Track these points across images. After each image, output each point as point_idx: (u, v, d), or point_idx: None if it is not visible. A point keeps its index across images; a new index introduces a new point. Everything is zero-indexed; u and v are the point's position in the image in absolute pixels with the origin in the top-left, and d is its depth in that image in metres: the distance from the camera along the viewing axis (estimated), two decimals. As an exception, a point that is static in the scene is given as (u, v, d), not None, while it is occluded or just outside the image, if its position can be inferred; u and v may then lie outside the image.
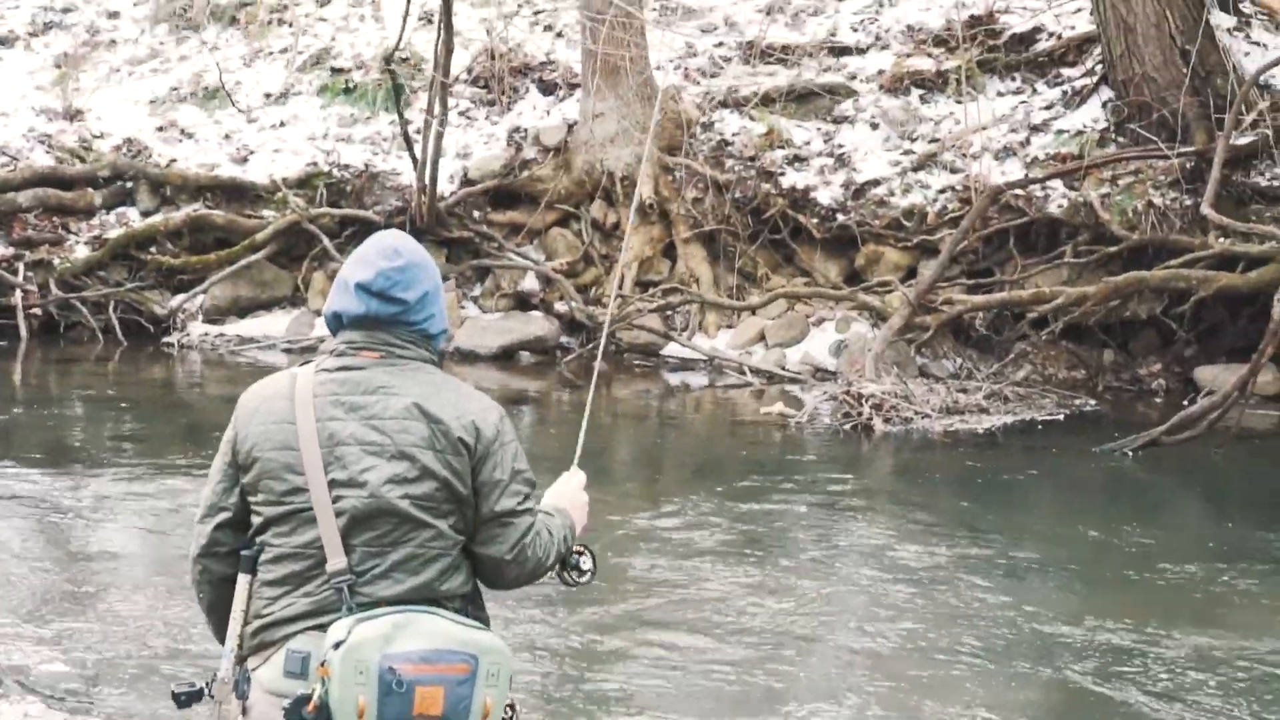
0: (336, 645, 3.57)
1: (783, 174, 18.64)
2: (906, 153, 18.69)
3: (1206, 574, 9.55)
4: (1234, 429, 13.83)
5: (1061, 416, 15.27)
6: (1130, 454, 13.31)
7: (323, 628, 3.68)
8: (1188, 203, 16.53)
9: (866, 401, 14.63)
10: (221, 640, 3.95)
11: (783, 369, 17.18)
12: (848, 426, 14.35)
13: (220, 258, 18.72)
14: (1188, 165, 16.72)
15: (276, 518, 3.81)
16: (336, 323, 3.96)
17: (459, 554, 3.83)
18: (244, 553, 3.84)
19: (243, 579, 3.84)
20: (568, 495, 4.28)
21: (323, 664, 3.57)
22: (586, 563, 4.22)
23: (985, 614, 8.49)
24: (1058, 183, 17.35)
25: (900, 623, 8.32)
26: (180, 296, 18.71)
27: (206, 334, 18.49)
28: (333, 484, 3.75)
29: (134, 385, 16.08)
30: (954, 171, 18.29)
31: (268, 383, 3.97)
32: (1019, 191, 17.24)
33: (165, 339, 18.30)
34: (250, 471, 3.84)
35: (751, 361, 17.40)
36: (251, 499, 3.86)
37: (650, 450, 14.11)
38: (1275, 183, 16.64)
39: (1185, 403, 14.80)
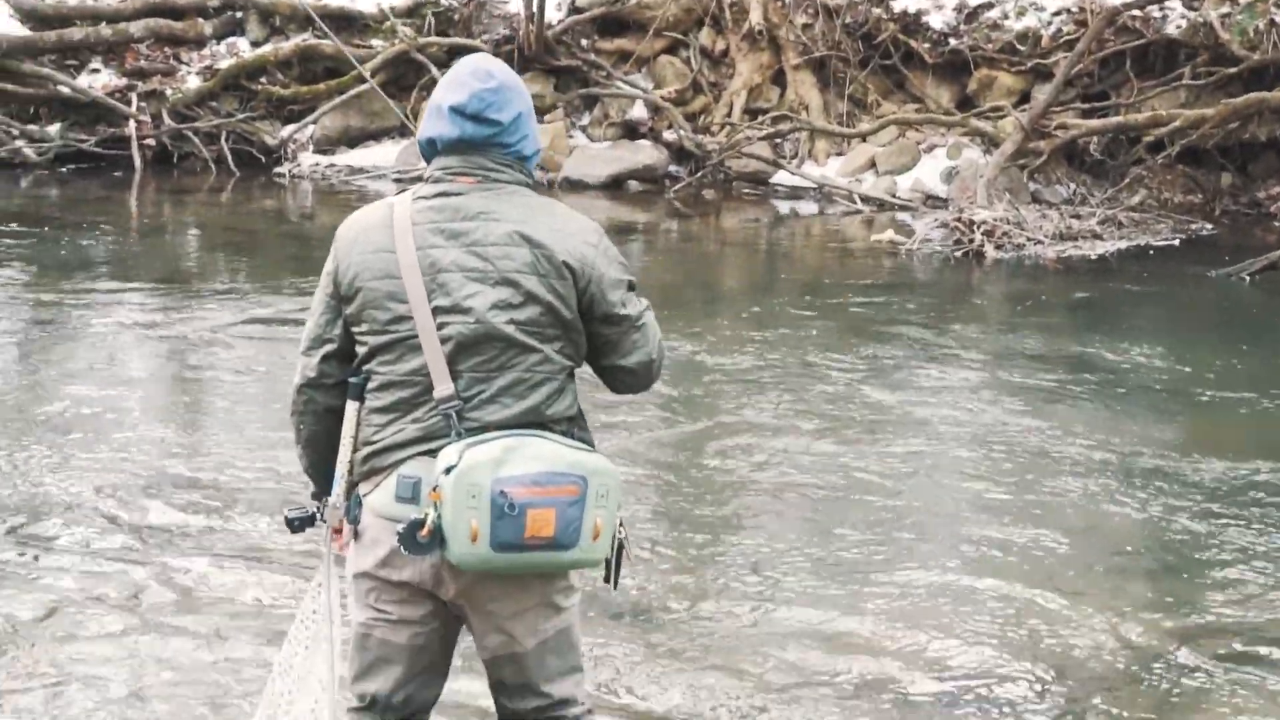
0: (448, 470, 3.58)
1: (894, -2, 18.36)
2: (1021, -26, 18.33)
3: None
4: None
5: (1177, 241, 15.12)
6: (1248, 278, 13.15)
7: (432, 453, 3.69)
8: (1312, 22, 16.12)
9: (978, 228, 14.52)
10: (310, 474, 4.02)
11: (893, 196, 17.06)
12: (959, 253, 14.26)
13: (330, 88, 18.77)
14: (1312, -17, 16.29)
15: (381, 346, 3.79)
16: (431, 149, 3.91)
17: (564, 378, 3.82)
18: (351, 380, 3.85)
19: (351, 406, 3.85)
20: None
21: (435, 489, 3.59)
22: None
23: (1090, 446, 8.42)
24: (1176, 3, 16.98)
25: (1003, 455, 8.29)
26: (290, 127, 18.80)
27: (317, 164, 18.60)
28: (436, 311, 3.74)
29: (246, 215, 16.23)
30: (1070, -7, 17.92)
31: (365, 212, 3.92)
32: (1136, 12, 16.91)
33: (276, 169, 18.43)
34: (353, 302, 3.82)
35: (862, 189, 17.28)
36: (355, 329, 3.84)
37: (760, 277, 14.09)
38: (1403, 0, 16.20)
39: (1305, 226, 14.59)
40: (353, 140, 18.93)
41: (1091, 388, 9.66)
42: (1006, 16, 17.93)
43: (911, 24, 18.16)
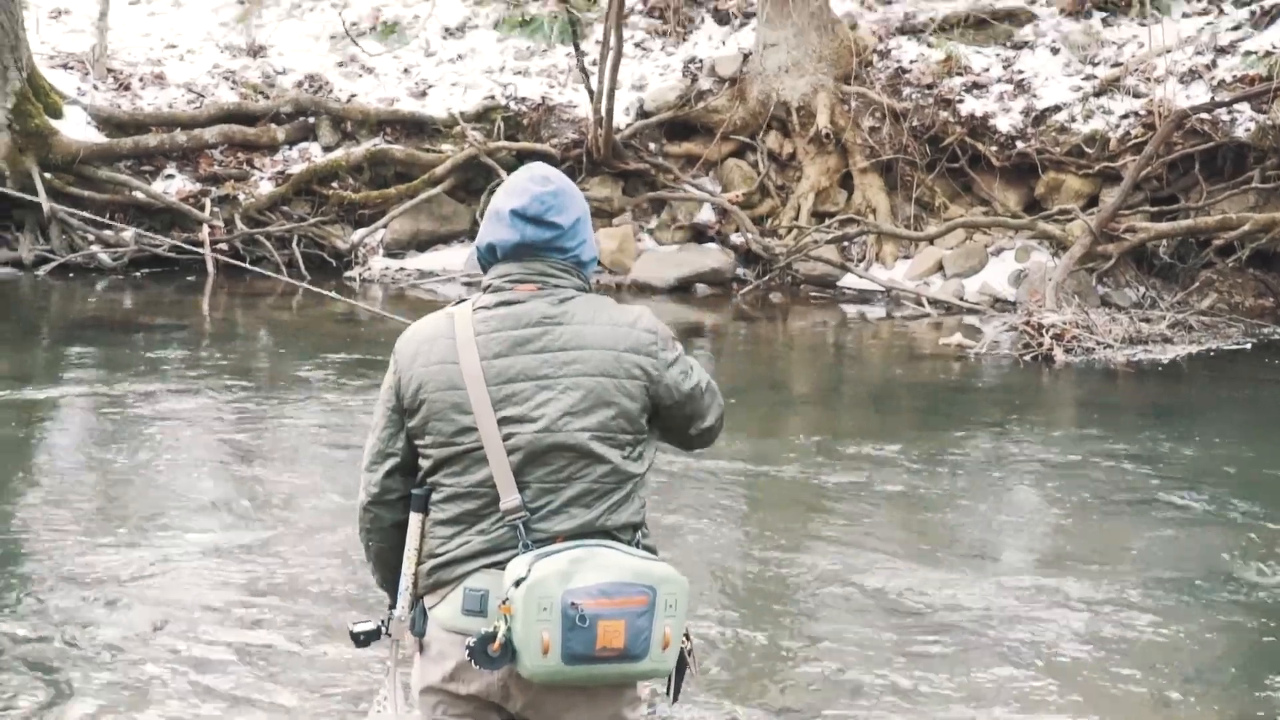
0: (518, 583, 3.57)
1: (961, 101, 18.43)
2: (1088, 78, 18.38)
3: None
4: None
5: (1249, 345, 15.01)
6: (1321, 383, 13.05)
7: (499, 565, 3.69)
8: (1382, 125, 16.07)
9: (1047, 331, 14.47)
10: (385, 588, 4.01)
11: (961, 299, 17.04)
12: (1028, 357, 14.20)
13: (400, 192, 18.96)
14: (1382, 86, 16.26)
15: (446, 459, 3.80)
16: (490, 256, 3.92)
17: (632, 485, 3.82)
18: (415, 492, 3.86)
19: (415, 518, 3.86)
20: None
21: (505, 602, 3.58)
22: None
23: (1169, 549, 8.38)
24: (1245, 106, 16.96)
25: (1085, 553, 8.25)
26: (361, 231, 18.98)
27: (387, 268, 18.75)
28: (503, 421, 3.74)
29: (317, 318, 16.36)
30: (1137, 96, 17.94)
31: (424, 324, 3.93)
32: (1205, 115, 16.88)
33: (347, 273, 18.59)
34: (416, 415, 3.83)
35: (929, 292, 17.27)
36: (419, 442, 3.85)
37: (828, 381, 14.08)
38: None
39: (1378, 331, 14.48)
40: (422, 244, 19.08)
41: (1166, 490, 9.60)
42: (1074, 119, 17.95)
43: (979, 127, 18.20)
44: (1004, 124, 18.13)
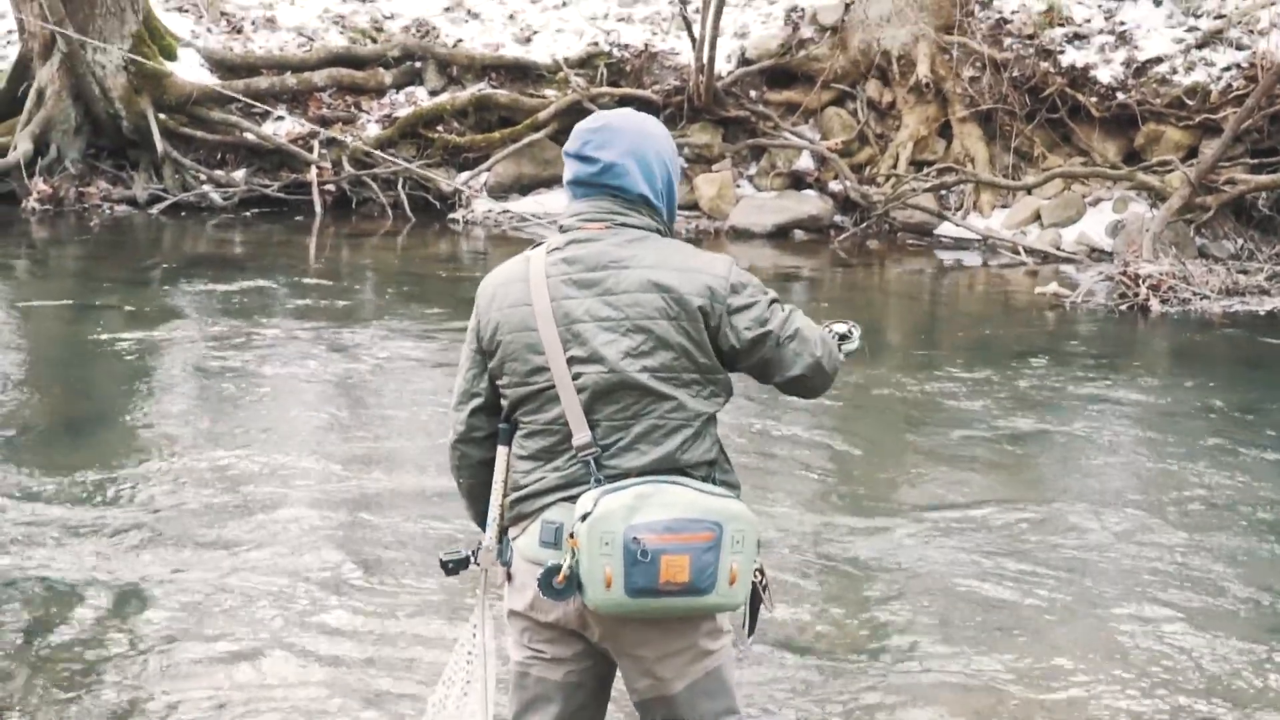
0: (584, 517, 3.69)
1: (1062, 52, 18.46)
2: (1190, 29, 18.35)
3: None
4: None
5: (1347, 298, 15.00)
6: None
7: (573, 499, 3.80)
8: None
9: (1143, 282, 14.53)
10: (478, 523, 4.14)
11: (1058, 249, 17.12)
12: (1123, 307, 14.27)
13: (504, 136, 19.20)
14: None
15: (523, 398, 3.92)
16: (570, 197, 4.06)
17: (701, 423, 3.90)
18: (501, 426, 4.00)
19: (501, 451, 4.00)
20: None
21: (571, 535, 3.71)
22: (841, 327, 4.37)
23: (1253, 507, 8.51)
24: (1349, 58, 16.89)
25: (1165, 513, 8.40)
26: (465, 174, 19.25)
27: (490, 210, 18.99)
28: (571, 360, 3.84)
29: (421, 260, 16.64)
30: (1240, 48, 17.91)
31: (503, 268, 4.05)
32: (1308, 68, 16.82)
33: (451, 215, 18.85)
34: (495, 356, 3.95)
35: (1026, 241, 17.36)
36: (498, 382, 3.98)
37: (924, 328, 14.21)
38: None
39: None
40: (525, 187, 19.33)
41: (1264, 444, 9.70)
42: (1175, 71, 17.95)
43: (1079, 78, 18.23)
44: (1104, 75, 18.15)
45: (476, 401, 4.04)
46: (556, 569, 3.72)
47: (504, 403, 4.01)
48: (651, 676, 3.91)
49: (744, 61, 19.48)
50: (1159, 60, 18.10)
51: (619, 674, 4.03)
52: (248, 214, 18.72)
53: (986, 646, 6.36)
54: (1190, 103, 17.65)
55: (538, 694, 3.99)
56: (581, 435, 3.85)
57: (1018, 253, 17.09)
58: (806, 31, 19.58)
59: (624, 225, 3.95)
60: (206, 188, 18.94)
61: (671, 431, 3.86)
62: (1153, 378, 11.73)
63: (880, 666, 6.15)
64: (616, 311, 3.86)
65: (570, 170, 4.02)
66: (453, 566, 4.08)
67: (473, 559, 4.06)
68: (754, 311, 3.94)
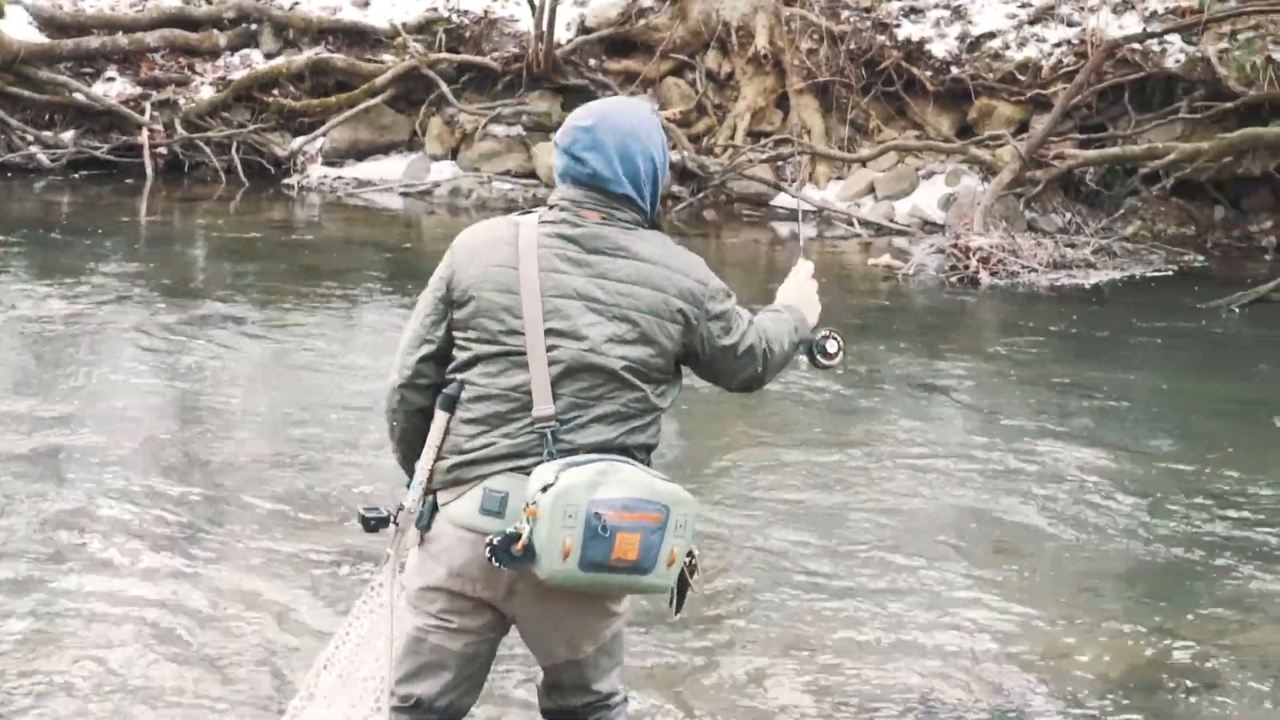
0: (545, 488, 3.69)
1: (898, 26, 18.65)
2: (1023, 5, 18.62)
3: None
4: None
5: (1169, 272, 15.35)
6: (1237, 310, 13.39)
7: (522, 470, 3.82)
8: (1307, 58, 16.39)
9: (974, 254, 14.75)
10: (404, 466, 4.12)
11: (891, 221, 17.32)
12: (954, 279, 14.48)
13: (340, 101, 19.02)
14: (1309, 21, 16.56)
15: (487, 356, 3.92)
16: (560, 181, 4.08)
17: (655, 416, 3.99)
18: (445, 391, 3.96)
19: (440, 415, 3.96)
20: (793, 289, 4.56)
21: (532, 505, 3.69)
22: (833, 345, 4.49)
23: (1077, 469, 8.65)
24: (1175, 37, 17.25)
25: (990, 477, 8.53)
26: (300, 139, 19.05)
27: (325, 176, 18.83)
28: (550, 332, 3.87)
29: (255, 225, 16.43)
30: (1070, 25, 18.22)
31: (489, 226, 4.06)
32: (1136, 46, 17.15)
33: (285, 180, 18.66)
34: (465, 307, 3.95)
35: (860, 213, 17.53)
36: (460, 334, 3.97)
37: (760, 300, 14.25)
38: (1397, 40, 16.47)
39: (1295, 261, 14.88)
40: (361, 153, 19.16)
41: (1083, 414, 9.88)
42: (1008, 47, 18.20)
43: (914, 52, 18.43)
44: (939, 49, 18.37)
45: (429, 349, 4.02)
46: (515, 537, 3.70)
47: (461, 356, 3.99)
48: (569, 644, 4.00)
49: (583, 30, 19.44)
50: (992, 35, 18.35)
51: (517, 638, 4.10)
52: (76, 176, 18.38)
53: (804, 616, 6.42)
54: (1022, 78, 17.91)
55: (432, 661, 4.01)
56: (544, 407, 3.86)
57: (852, 224, 17.27)
58: (646, 1, 19.57)
59: (618, 220, 4.00)
60: (34, 149, 18.55)
61: (628, 418, 3.93)
62: (979, 349, 11.90)
63: (693, 633, 6.18)
64: (607, 296, 3.91)
65: (560, 163, 4.06)
66: (374, 524, 4.04)
67: (393, 519, 4.02)
68: (724, 321, 4.07)
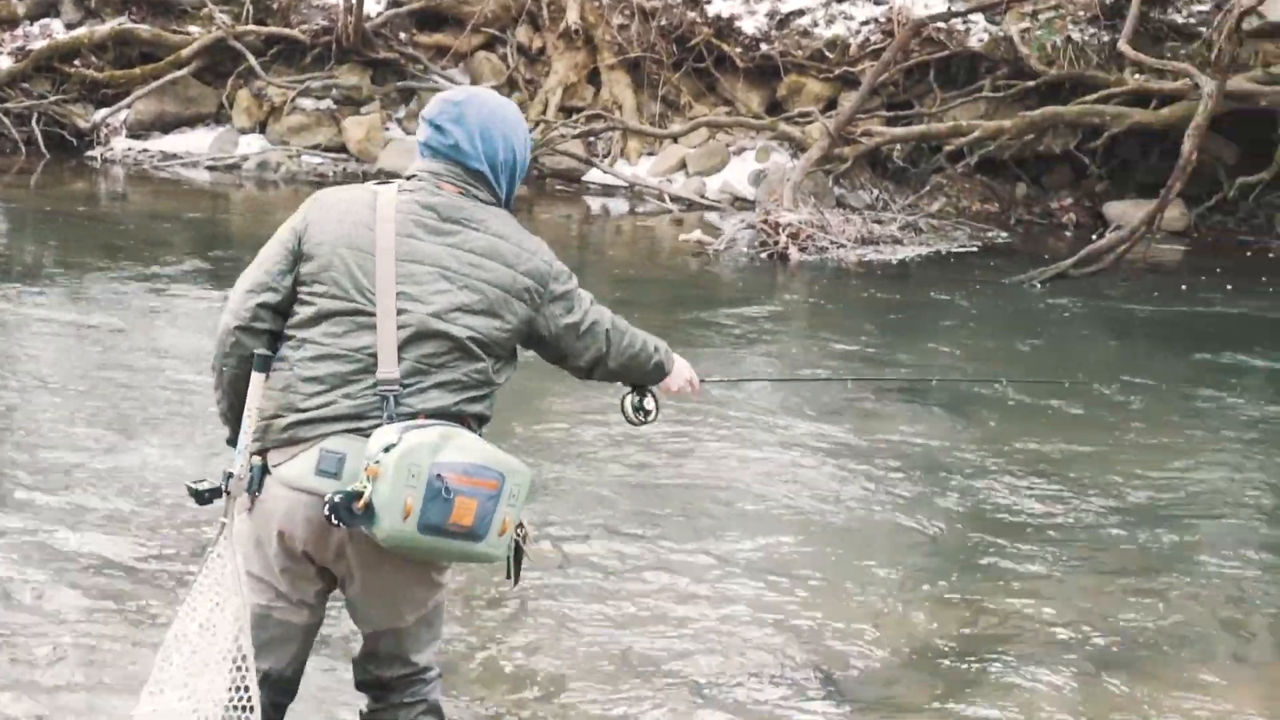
0: (388, 448, 3.69)
1: (709, 2, 18.76)
2: (832, -17, 18.81)
3: (1106, 397, 9.88)
4: (1140, 263, 14.28)
5: (974, 248, 15.63)
6: (1039, 285, 13.67)
7: (360, 431, 3.82)
8: (1105, 39, 16.78)
9: (783, 230, 14.89)
10: (227, 416, 4.07)
11: (702, 197, 17.42)
12: (764, 255, 14.61)
13: (145, 73, 18.69)
14: (1107, 1, 16.93)
15: (333, 313, 3.91)
16: (420, 153, 4.12)
17: (490, 390, 4.01)
18: (259, 353, 3.92)
19: (257, 378, 3.90)
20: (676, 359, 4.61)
21: (374, 464, 3.68)
22: (650, 403, 4.62)
23: (885, 443, 8.78)
24: (979, 17, 17.57)
25: (803, 449, 8.62)
26: (104, 111, 18.68)
27: (130, 149, 18.51)
28: (400, 296, 3.89)
29: (57, 198, 16.08)
30: (878, 3, 18.45)
31: (348, 189, 4.08)
32: (941, 25, 17.42)
33: (88, 153, 18.29)
34: (313, 261, 3.94)
35: (672, 189, 17.61)
36: (305, 288, 3.95)
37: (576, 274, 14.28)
38: (1192, 20, 16.91)
39: (1094, 237, 15.24)
40: (166, 126, 18.86)
41: (886, 388, 10.01)
42: (816, 24, 18.38)
43: (724, 28, 18.54)
44: (749, 26, 18.50)
45: (271, 296, 3.96)
46: (356, 495, 3.68)
47: (304, 311, 3.95)
48: (392, 610, 4.00)
49: (394, 3, 19.31)
50: (801, 13, 18.52)
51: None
52: None
53: (581, 591, 6.45)
54: (830, 55, 18.11)
55: (279, 635, 4.01)
56: (388, 369, 3.86)
57: (663, 200, 17.34)
58: (457, -26, 19.47)
59: (474, 197, 4.04)
60: None
61: (466, 387, 3.94)
62: (786, 324, 12.02)
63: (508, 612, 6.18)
64: (459, 265, 3.94)
65: (423, 133, 4.10)
66: (207, 496, 3.96)
67: (224, 487, 3.93)
68: (568, 301, 4.12)
